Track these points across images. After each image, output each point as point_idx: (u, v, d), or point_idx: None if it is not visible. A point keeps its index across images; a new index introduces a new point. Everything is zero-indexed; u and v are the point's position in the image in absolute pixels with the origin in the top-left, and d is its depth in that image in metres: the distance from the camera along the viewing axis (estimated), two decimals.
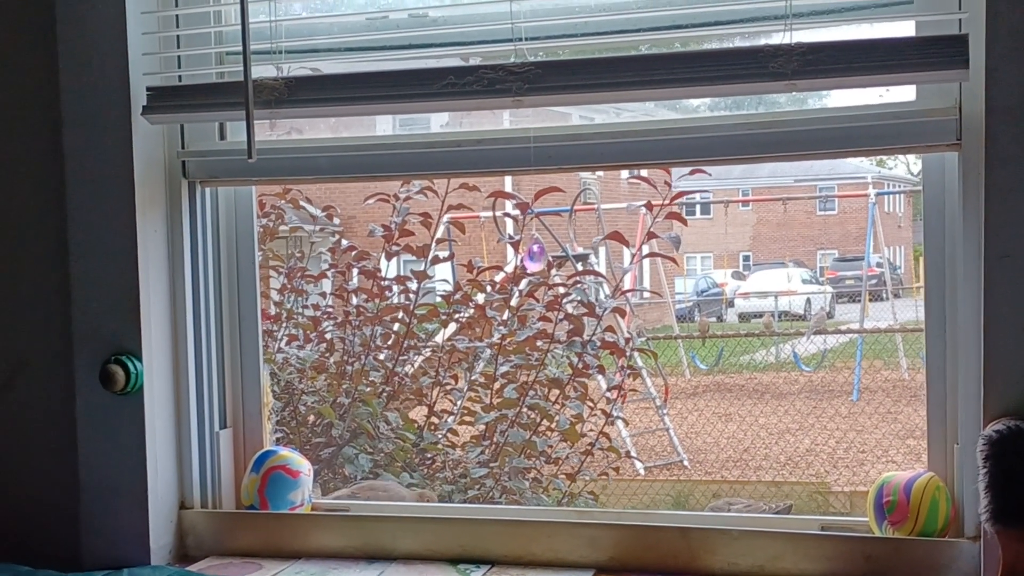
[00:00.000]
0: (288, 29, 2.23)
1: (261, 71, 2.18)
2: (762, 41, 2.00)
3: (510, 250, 4.51)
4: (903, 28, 2.04)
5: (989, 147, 1.85)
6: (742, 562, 2.10)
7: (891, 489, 2.07)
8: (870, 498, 2.11)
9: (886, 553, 2.03)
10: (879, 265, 14.55)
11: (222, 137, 2.38)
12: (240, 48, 2.13)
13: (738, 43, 2.13)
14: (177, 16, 2.30)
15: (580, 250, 6.45)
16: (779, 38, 1.97)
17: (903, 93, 2.05)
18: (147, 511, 2.28)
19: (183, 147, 2.35)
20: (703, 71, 1.99)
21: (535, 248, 4.04)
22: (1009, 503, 1.83)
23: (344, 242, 4.64)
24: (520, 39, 2.10)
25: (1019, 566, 1.84)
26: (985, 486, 1.85)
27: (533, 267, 4.17)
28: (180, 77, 2.31)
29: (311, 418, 4.05)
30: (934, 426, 2.09)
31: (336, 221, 5.36)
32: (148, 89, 2.25)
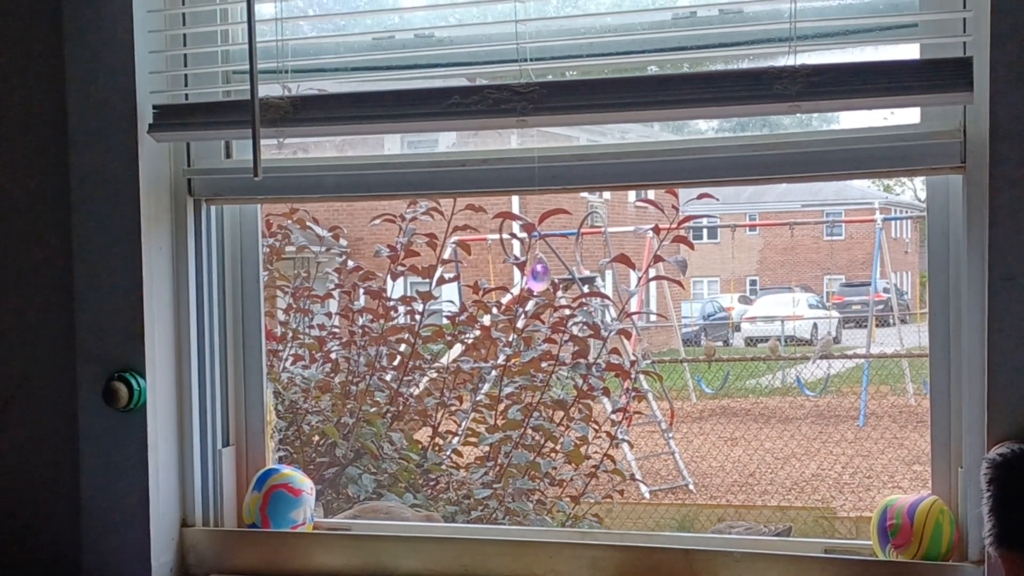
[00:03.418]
0: (295, 48, 2.24)
1: (267, 90, 2.19)
2: (767, 63, 2.01)
3: (516, 272, 4.52)
4: (907, 51, 2.04)
5: (993, 170, 1.85)
6: None
7: (895, 512, 2.06)
8: (874, 521, 2.10)
9: None
10: (886, 291, 14.56)
11: (228, 155, 2.38)
12: (247, 67, 2.14)
13: (743, 65, 2.13)
14: (184, 35, 2.31)
15: (587, 273, 6.46)
16: (784, 60, 1.98)
17: (907, 115, 2.05)
18: (148, 528, 2.28)
19: (189, 165, 2.35)
20: (708, 92, 1.99)
21: (539, 268, 4.04)
22: (1013, 526, 1.82)
23: (350, 263, 4.65)
24: (525, 59, 2.11)
25: None
26: (989, 509, 1.84)
27: (537, 286, 4.18)
28: (187, 95, 2.32)
29: (315, 438, 4.05)
30: (938, 449, 2.08)
31: (343, 242, 5.38)
32: (155, 107, 2.26)
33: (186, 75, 2.32)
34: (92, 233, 2.28)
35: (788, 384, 12.30)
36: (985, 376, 1.88)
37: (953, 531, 2.01)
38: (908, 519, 2.03)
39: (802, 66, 1.94)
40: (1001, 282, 1.86)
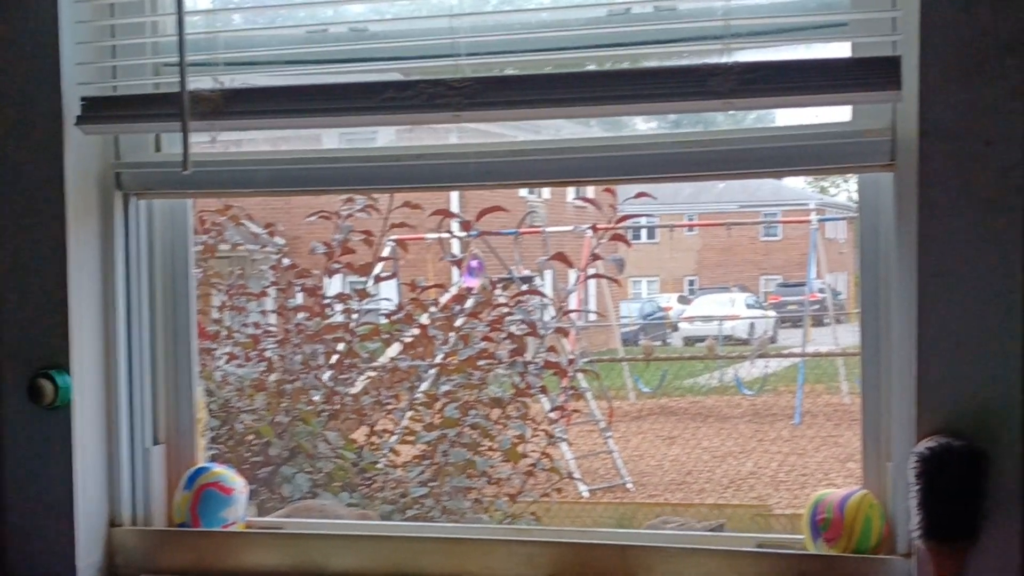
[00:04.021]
0: (226, 41, 2.21)
1: (198, 83, 2.16)
2: (701, 60, 2.01)
3: (455, 271, 4.51)
4: (839, 50, 2.06)
5: (922, 167, 1.88)
6: None
7: (826, 507, 2.08)
8: (805, 516, 2.11)
9: (820, 570, 2.03)
10: (821, 291, 14.74)
11: (158, 149, 2.35)
12: (177, 59, 2.11)
13: (677, 62, 2.13)
14: (113, 26, 2.27)
15: (526, 272, 6.46)
16: (718, 58, 1.98)
17: (839, 114, 2.07)
18: (74, 528, 2.24)
19: (117, 158, 2.31)
20: (642, 88, 1.99)
21: (473, 264, 4.04)
22: (940, 520, 1.84)
23: (286, 260, 4.61)
24: (461, 55, 2.10)
25: None
26: (917, 503, 1.86)
27: (472, 282, 4.17)
28: (115, 88, 2.28)
29: (249, 437, 4.00)
30: (869, 444, 2.10)
31: (279, 240, 5.33)
32: (82, 99, 2.21)
33: (114, 67, 2.28)
34: (16, 228, 2.23)
35: (725, 383, 12.40)
36: (915, 371, 1.90)
37: (883, 524, 2.04)
38: (839, 513, 2.05)
39: (735, 63, 1.95)
40: (931, 278, 1.88)
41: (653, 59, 2.18)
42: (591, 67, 2.22)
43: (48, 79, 2.19)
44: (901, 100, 1.90)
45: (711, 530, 3.87)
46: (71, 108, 2.21)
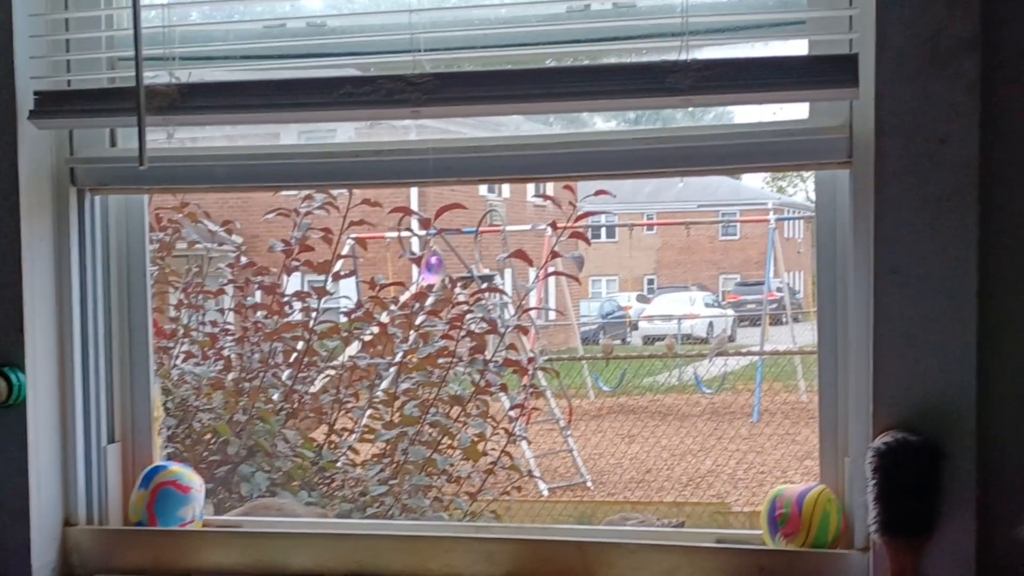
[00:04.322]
0: (182, 35, 2.19)
1: (154, 77, 2.14)
2: (660, 58, 2.02)
3: (415, 270, 4.49)
4: (796, 47, 2.07)
5: (878, 164, 1.89)
6: (638, 575, 2.10)
7: (784, 502, 2.09)
8: (763, 511, 2.12)
9: (779, 565, 2.04)
10: (779, 290, 14.85)
11: (113, 144, 2.32)
12: (132, 53, 2.08)
13: (636, 59, 2.14)
14: (67, 19, 2.24)
15: (486, 271, 6.46)
16: (676, 55, 1.99)
17: (797, 111, 2.08)
18: (29, 528, 2.20)
19: (72, 153, 2.28)
20: (601, 85, 1.99)
21: (433, 260, 4.02)
22: (896, 514, 1.86)
23: (244, 258, 4.58)
24: (419, 50, 2.09)
25: None
26: (873, 498, 1.87)
27: (431, 279, 4.16)
28: (69, 82, 2.25)
29: (207, 436, 3.97)
30: (826, 440, 2.11)
31: (236, 238, 5.29)
32: (35, 93, 2.18)
33: (68, 61, 2.25)
34: None
35: (684, 382, 12.47)
36: (871, 367, 1.91)
37: (840, 519, 2.05)
38: (797, 508, 2.06)
39: (694, 61, 1.95)
40: (887, 275, 1.90)
41: (612, 56, 2.18)
42: (550, 63, 2.22)
43: (1, 73, 2.16)
44: (858, 98, 1.92)
45: (672, 527, 3.88)
46: (24, 102, 2.18)
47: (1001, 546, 1.89)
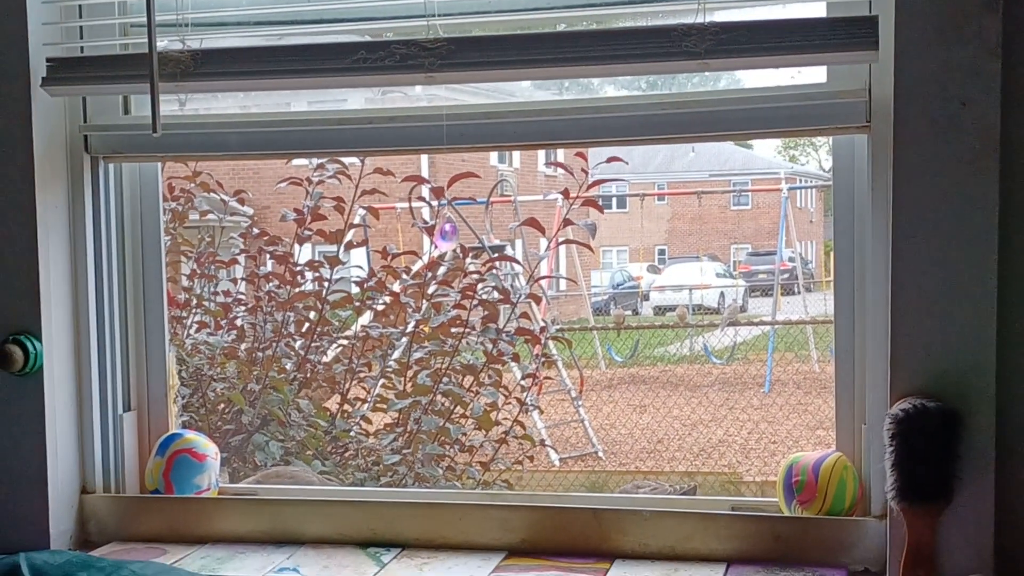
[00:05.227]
0: (195, 1, 2.17)
1: (167, 44, 2.13)
2: (677, 21, 2.00)
3: (426, 240, 4.48)
4: (815, 9, 2.05)
5: (897, 128, 1.87)
6: (652, 543, 2.10)
7: (800, 469, 2.09)
8: (779, 478, 2.12)
9: (795, 532, 2.04)
10: (791, 260, 14.80)
11: (126, 111, 2.31)
12: (145, 19, 2.07)
13: (652, 22, 2.12)
14: None
15: (496, 242, 6.44)
16: (693, 18, 1.97)
17: (814, 75, 2.06)
18: (47, 496, 2.22)
19: (85, 121, 2.28)
20: (618, 49, 1.97)
21: (447, 227, 4.01)
22: (914, 481, 1.85)
23: (255, 229, 4.57)
24: (433, 15, 2.07)
25: (924, 543, 1.87)
26: (891, 464, 1.86)
27: (445, 246, 4.14)
28: (82, 48, 2.24)
29: (220, 405, 3.98)
30: (842, 407, 2.11)
31: (248, 208, 5.29)
32: (48, 60, 2.17)
33: (81, 27, 2.24)
34: None
35: (696, 352, 12.45)
36: (888, 333, 1.90)
37: (857, 486, 2.05)
38: (813, 475, 2.06)
39: (711, 23, 1.93)
40: (904, 240, 1.88)
41: (627, 20, 2.16)
42: (563, 28, 2.20)
43: (14, 39, 2.15)
44: (877, 60, 1.89)
45: (683, 493, 3.89)
46: (37, 70, 2.17)
47: (1020, 512, 1.88)
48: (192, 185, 4.24)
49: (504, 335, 4.22)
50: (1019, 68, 1.84)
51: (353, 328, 4.54)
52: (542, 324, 5.61)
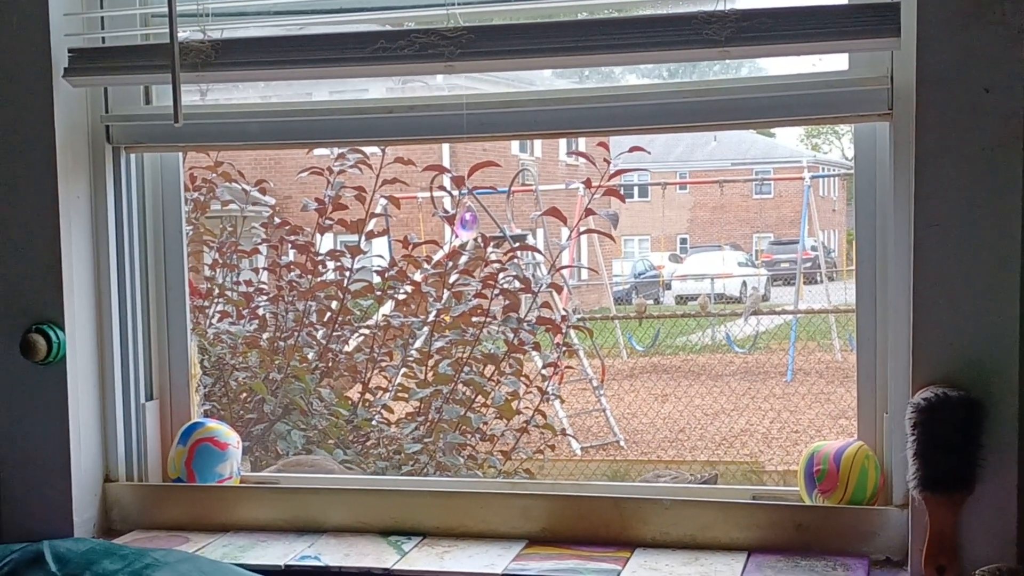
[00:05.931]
0: None
1: (188, 34, 2.13)
2: (697, 8, 1.99)
3: (447, 229, 4.47)
4: None
5: (919, 116, 1.86)
6: (673, 531, 2.10)
7: (821, 458, 2.08)
8: (801, 467, 2.12)
9: (816, 521, 2.04)
10: (813, 248, 14.73)
11: (148, 101, 2.32)
12: (166, 9, 2.08)
13: (673, 10, 2.11)
14: None
15: (518, 231, 6.43)
16: (714, 5, 1.96)
17: (836, 62, 2.05)
18: (70, 484, 2.24)
19: (107, 111, 2.29)
20: (638, 37, 1.97)
21: (467, 216, 4.00)
22: (936, 470, 1.84)
23: (277, 218, 4.58)
24: (453, 3, 2.07)
25: (946, 532, 1.86)
26: (913, 453, 1.86)
27: (465, 235, 4.13)
28: (104, 39, 2.25)
29: (242, 394, 3.99)
30: (864, 396, 2.10)
31: (269, 198, 5.30)
32: (70, 51, 2.19)
33: (102, 17, 2.25)
34: (7, 183, 2.21)
35: (718, 341, 12.42)
36: (911, 321, 1.89)
37: (878, 476, 2.04)
38: (834, 464, 2.05)
39: (732, 11, 1.93)
40: (927, 228, 1.87)
41: (648, 7, 2.15)
42: (584, 16, 2.20)
43: (36, 30, 2.16)
44: (899, 47, 1.88)
45: (704, 481, 3.88)
46: (59, 60, 2.18)
47: None
48: (214, 175, 4.24)
49: (525, 324, 4.22)
50: None
51: (374, 317, 4.54)
52: (563, 313, 5.60)
